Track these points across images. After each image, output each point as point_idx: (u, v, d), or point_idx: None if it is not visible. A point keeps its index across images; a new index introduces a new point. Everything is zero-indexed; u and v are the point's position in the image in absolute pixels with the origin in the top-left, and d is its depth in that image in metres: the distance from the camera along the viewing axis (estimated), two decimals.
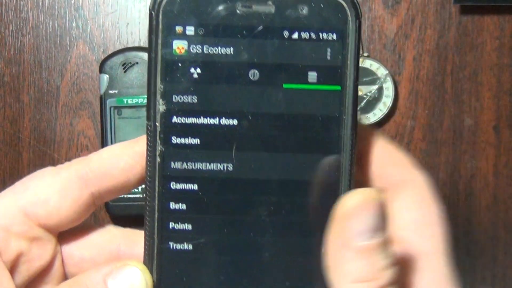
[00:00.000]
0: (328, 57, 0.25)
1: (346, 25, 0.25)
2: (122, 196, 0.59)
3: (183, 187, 0.26)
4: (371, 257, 0.23)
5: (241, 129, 0.25)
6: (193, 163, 0.25)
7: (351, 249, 0.23)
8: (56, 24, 0.60)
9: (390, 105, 0.60)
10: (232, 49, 0.25)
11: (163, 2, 0.25)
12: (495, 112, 0.61)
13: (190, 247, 0.26)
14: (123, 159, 0.26)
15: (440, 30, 0.60)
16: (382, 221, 0.23)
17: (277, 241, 0.26)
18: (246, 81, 0.25)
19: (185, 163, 0.25)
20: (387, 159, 0.26)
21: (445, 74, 0.61)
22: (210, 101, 0.25)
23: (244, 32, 0.25)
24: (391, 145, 0.27)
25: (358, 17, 0.25)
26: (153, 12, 0.25)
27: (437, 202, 0.26)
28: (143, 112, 0.57)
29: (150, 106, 0.25)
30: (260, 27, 0.25)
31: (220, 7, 0.25)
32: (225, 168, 0.25)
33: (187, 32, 0.25)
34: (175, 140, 0.25)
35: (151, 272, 0.26)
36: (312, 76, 0.25)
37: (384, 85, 0.59)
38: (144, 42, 0.60)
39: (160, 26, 0.25)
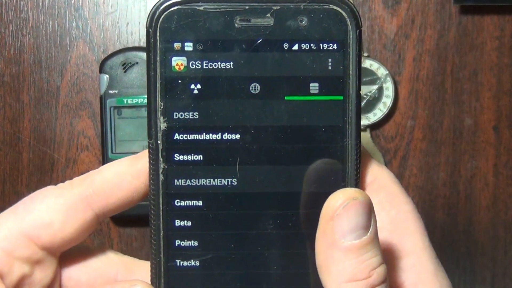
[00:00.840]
0: (330, 68, 0.25)
1: (346, 34, 0.25)
2: None
3: (188, 204, 0.25)
4: (360, 256, 0.23)
5: (244, 143, 0.25)
6: (196, 180, 0.25)
7: (339, 248, 0.23)
8: (56, 24, 0.60)
9: (390, 105, 0.60)
10: (232, 63, 0.25)
11: (160, 19, 0.25)
12: (495, 112, 0.61)
13: (197, 263, 0.26)
14: (126, 179, 0.26)
15: (440, 30, 0.60)
16: (367, 220, 0.23)
17: (284, 253, 0.26)
18: (247, 95, 0.25)
19: (188, 180, 0.25)
20: None
21: (445, 74, 0.61)
22: (212, 117, 0.25)
23: (244, 45, 0.25)
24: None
25: (358, 26, 0.25)
26: (150, 30, 0.25)
27: (408, 198, 0.26)
28: (143, 112, 0.57)
29: (151, 124, 0.25)
30: (260, 40, 0.25)
31: (218, 22, 0.25)
32: (229, 183, 0.25)
33: (186, 48, 0.25)
34: (177, 157, 0.25)
35: None
36: (314, 87, 0.25)
37: (384, 85, 0.59)
38: (144, 42, 0.60)
39: (158, 44, 0.25)
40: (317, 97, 0.25)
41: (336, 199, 0.23)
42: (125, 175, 0.26)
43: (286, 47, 0.25)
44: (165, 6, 0.25)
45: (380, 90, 0.60)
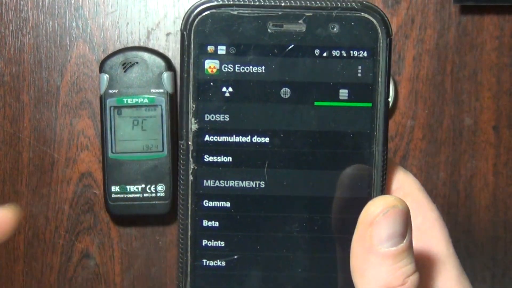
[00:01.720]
0: (359, 75, 0.25)
1: (377, 42, 0.25)
2: (121, 196, 0.59)
3: (216, 205, 0.26)
4: (396, 263, 0.23)
5: (273, 147, 0.26)
6: (225, 181, 0.26)
7: (376, 254, 0.23)
8: (56, 23, 0.60)
9: (390, 105, 0.60)
10: (263, 67, 0.25)
11: (195, 22, 0.25)
12: (495, 112, 0.61)
13: (223, 263, 0.26)
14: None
15: (440, 30, 0.60)
16: (405, 228, 0.23)
17: (310, 257, 0.26)
18: (277, 99, 0.25)
19: (217, 181, 0.26)
20: None
21: (445, 74, 0.61)
22: (242, 120, 0.25)
23: (275, 50, 0.25)
24: None
25: (389, 34, 0.25)
26: (185, 33, 0.25)
27: (433, 205, 0.27)
28: (143, 112, 0.57)
29: (182, 125, 0.25)
30: (291, 46, 0.25)
31: (251, 26, 0.25)
32: (257, 185, 0.26)
33: (219, 52, 0.25)
34: (207, 158, 0.26)
35: None
36: (344, 93, 0.25)
37: None
38: (143, 42, 0.60)
39: (192, 46, 0.25)
40: (346, 104, 0.25)
41: (376, 206, 0.24)
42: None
43: (317, 53, 0.25)
44: (200, 10, 0.25)
45: None
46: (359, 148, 0.25)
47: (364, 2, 0.25)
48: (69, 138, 0.61)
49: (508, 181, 0.62)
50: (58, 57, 0.60)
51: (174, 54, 0.60)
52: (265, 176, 0.26)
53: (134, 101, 0.57)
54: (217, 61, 0.25)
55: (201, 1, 0.25)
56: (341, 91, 0.25)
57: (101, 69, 0.58)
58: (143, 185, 0.57)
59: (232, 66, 0.25)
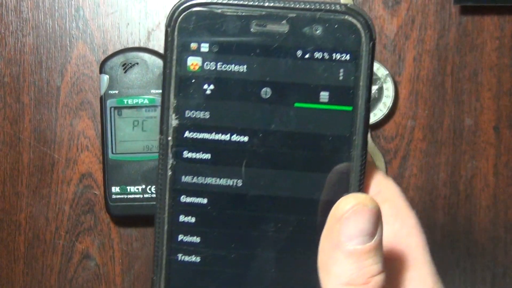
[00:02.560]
0: (341, 78, 0.25)
1: (359, 46, 0.25)
2: (122, 196, 0.59)
3: (193, 201, 0.26)
4: (362, 261, 0.23)
5: (251, 146, 0.26)
6: (203, 178, 0.26)
7: (342, 251, 0.23)
8: (56, 24, 0.60)
9: (390, 105, 0.60)
10: (245, 66, 0.25)
11: (179, 19, 0.25)
12: (495, 112, 0.61)
13: (198, 259, 0.26)
14: None
15: (440, 30, 0.60)
16: (374, 227, 0.23)
17: (284, 257, 0.26)
18: (258, 99, 0.25)
19: (195, 177, 0.26)
20: None
21: (445, 74, 0.61)
22: (222, 117, 0.25)
23: (258, 50, 0.25)
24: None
25: (372, 38, 0.25)
26: (168, 29, 0.25)
27: (412, 212, 0.27)
28: (143, 113, 0.57)
29: (163, 120, 0.26)
30: (274, 46, 0.25)
31: (235, 25, 0.25)
32: (235, 183, 0.26)
33: (202, 49, 0.25)
34: (186, 154, 0.26)
35: (159, 282, 0.26)
36: (324, 96, 0.25)
37: (384, 86, 0.59)
38: (144, 43, 0.60)
39: (175, 43, 0.25)
40: (326, 106, 0.25)
41: (346, 202, 0.24)
42: None
43: (299, 54, 0.25)
44: (185, 7, 0.25)
45: (380, 90, 0.60)
46: (338, 151, 0.25)
47: (349, 5, 0.25)
48: (69, 138, 0.61)
49: (509, 182, 0.62)
50: (58, 57, 0.60)
51: None
52: (242, 175, 0.26)
53: (134, 102, 0.57)
54: (200, 58, 0.25)
55: None
56: (321, 93, 0.25)
57: (101, 70, 0.58)
58: (144, 186, 0.57)
59: (214, 64, 0.25)
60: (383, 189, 0.27)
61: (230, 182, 0.26)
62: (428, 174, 0.61)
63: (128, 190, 0.58)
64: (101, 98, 0.58)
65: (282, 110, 0.25)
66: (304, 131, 0.25)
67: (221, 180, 0.26)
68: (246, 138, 0.25)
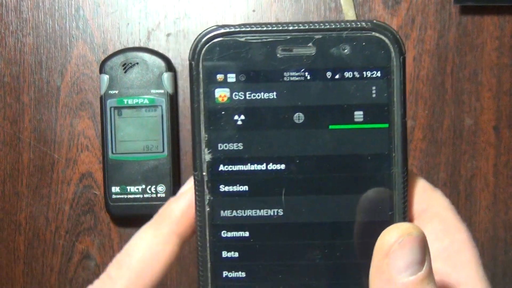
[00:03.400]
0: (374, 95, 0.25)
1: (390, 62, 0.25)
2: (122, 196, 0.59)
3: (234, 235, 0.25)
4: None
5: (289, 174, 0.25)
6: (243, 210, 0.25)
7: (396, 285, 0.23)
8: (56, 24, 0.60)
9: None
10: (275, 93, 0.25)
11: (203, 51, 0.25)
12: (495, 112, 0.61)
13: None
14: (159, 250, 0.26)
15: (440, 30, 0.60)
16: (422, 255, 0.23)
17: (333, 284, 0.25)
18: (291, 125, 0.25)
19: (234, 211, 0.25)
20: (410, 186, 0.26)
21: (445, 74, 0.61)
22: (256, 147, 0.25)
23: (286, 75, 0.25)
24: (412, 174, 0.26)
25: (402, 53, 0.25)
26: (193, 62, 0.25)
27: (463, 226, 0.26)
28: (143, 112, 0.57)
29: (195, 156, 0.25)
30: (302, 70, 0.25)
31: (260, 52, 0.25)
32: (276, 213, 0.25)
33: (229, 80, 0.25)
34: (223, 188, 0.25)
35: None
36: (359, 115, 0.25)
37: None
38: (144, 43, 0.60)
39: (201, 76, 0.25)
40: (362, 126, 0.25)
41: (390, 235, 0.23)
42: (156, 247, 0.26)
43: (329, 75, 0.25)
44: (207, 38, 0.25)
45: None
46: (378, 170, 0.25)
47: (375, 21, 0.24)
48: (69, 138, 0.61)
49: (509, 181, 0.62)
50: (58, 57, 0.60)
51: (174, 54, 0.60)
52: (282, 204, 0.25)
53: (134, 102, 0.57)
54: (228, 89, 0.25)
55: (209, 29, 0.25)
56: (356, 113, 0.25)
57: (101, 70, 0.58)
58: (144, 186, 0.57)
59: (243, 93, 0.25)
60: (431, 203, 0.26)
61: (270, 212, 0.25)
62: (428, 174, 0.61)
63: (128, 190, 0.57)
64: (101, 98, 0.58)
65: (317, 134, 0.25)
66: (341, 153, 0.25)
67: (261, 211, 0.25)
68: (283, 166, 0.25)
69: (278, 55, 0.25)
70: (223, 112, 0.25)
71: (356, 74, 0.25)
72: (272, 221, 0.25)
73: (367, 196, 0.25)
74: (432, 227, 0.26)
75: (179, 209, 0.26)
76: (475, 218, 0.62)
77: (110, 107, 0.57)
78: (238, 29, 0.24)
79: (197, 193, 0.25)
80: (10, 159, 0.61)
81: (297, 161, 0.25)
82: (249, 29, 0.24)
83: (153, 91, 0.57)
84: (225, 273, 0.25)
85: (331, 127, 0.25)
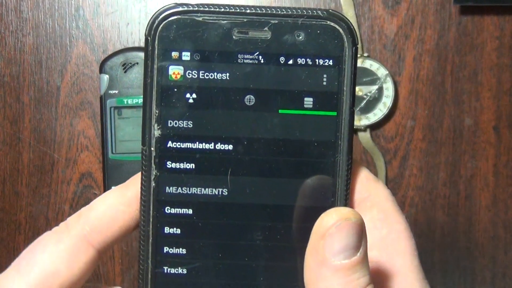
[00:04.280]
0: (324, 83, 0.25)
1: (342, 51, 0.25)
2: None
3: (178, 212, 0.26)
4: (349, 275, 0.23)
5: (236, 154, 0.25)
6: (188, 188, 0.26)
7: (328, 267, 0.23)
8: (56, 24, 0.60)
9: (390, 105, 0.60)
10: (228, 74, 0.25)
11: (159, 28, 0.25)
12: (495, 112, 0.61)
13: (185, 271, 0.26)
14: (120, 210, 0.26)
15: (440, 30, 0.60)
16: (359, 240, 0.23)
17: (272, 266, 0.26)
18: (242, 107, 0.25)
19: (179, 188, 0.26)
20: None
21: (445, 74, 0.61)
22: (206, 126, 0.25)
23: (240, 57, 0.25)
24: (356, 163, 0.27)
25: (354, 43, 0.25)
26: (149, 38, 0.25)
27: (401, 217, 0.26)
28: None
29: (145, 131, 0.26)
30: (256, 53, 0.25)
31: (216, 33, 0.25)
32: (220, 192, 0.25)
33: (183, 58, 0.25)
34: (170, 164, 0.26)
35: None
36: (308, 101, 0.25)
37: (384, 85, 0.59)
38: (143, 43, 0.60)
39: (156, 52, 0.25)
40: (311, 112, 0.25)
41: (329, 218, 0.23)
42: (118, 206, 0.26)
43: (282, 60, 0.25)
44: (165, 15, 0.25)
45: (380, 90, 0.60)
46: (323, 157, 0.25)
47: (330, 10, 0.25)
48: (69, 138, 0.61)
49: (509, 181, 0.62)
50: (58, 57, 0.60)
51: None
52: (228, 184, 0.25)
53: (134, 102, 0.57)
54: (181, 67, 0.25)
55: (167, 7, 0.25)
56: (305, 99, 0.25)
57: (101, 70, 0.58)
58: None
59: (196, 72, 0.25)
60: (372, 192, 0.26)
61: (215, 191, 0.25)
62: (428, 174, 0.61)
63: None
64: (101, 98, 0.58)
65: (266, 117, 0.25)
66: (289, 137, 0.25)
67: (206, 189, 0.25)
68: (230, 147, 0.25)
69: (233, 37, 0.25)
70: (175, 90, 0.25)
71: (309, 61, 0.25)
72: (216, 200, 0.25)
73: (310, 181, 0.25)
74: (371, 216, 0.26)
75: None
76: (475, 218, 0.62)
77: (110, 107, 0.57)
78: (196, 9, 0.25)
79: (143, 168, 0.26)
80: (10, 159, 0.61)
81: (245, 143, 0.25)
82: (207, 9, 0.25)
83: None
84: (166, 249, 0.26)
85: (280, 111, 0.25)
